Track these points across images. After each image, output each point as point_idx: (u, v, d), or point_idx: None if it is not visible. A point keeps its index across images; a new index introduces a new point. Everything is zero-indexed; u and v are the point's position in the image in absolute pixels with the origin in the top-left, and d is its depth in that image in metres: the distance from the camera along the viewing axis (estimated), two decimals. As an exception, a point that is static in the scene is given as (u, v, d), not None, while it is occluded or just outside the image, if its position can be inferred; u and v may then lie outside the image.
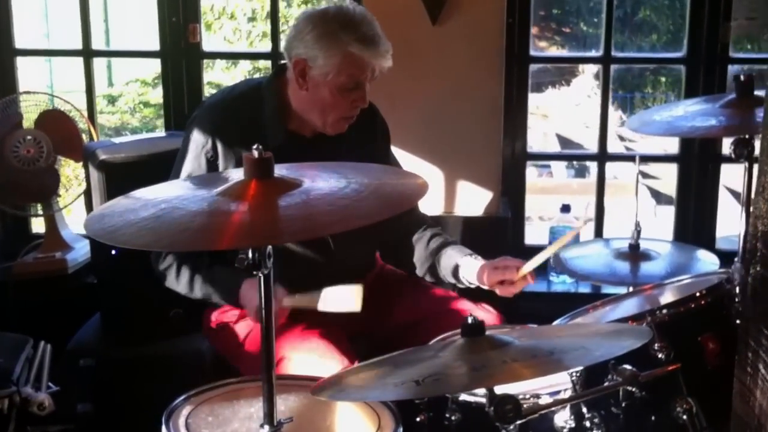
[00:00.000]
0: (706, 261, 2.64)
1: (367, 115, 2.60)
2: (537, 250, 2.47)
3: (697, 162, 3.62)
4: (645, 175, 9.19)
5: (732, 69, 3.52)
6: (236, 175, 1.66)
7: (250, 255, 1.54)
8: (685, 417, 1.89)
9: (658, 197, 8.95)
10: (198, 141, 2.51)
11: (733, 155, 2.31)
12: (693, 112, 2.36)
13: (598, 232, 3.75)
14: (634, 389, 1.83)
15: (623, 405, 1.86)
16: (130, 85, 9.75)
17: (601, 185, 3.75)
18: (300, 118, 2.54)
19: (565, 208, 3.52)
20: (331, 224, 1.46)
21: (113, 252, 3.00)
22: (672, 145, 3.75)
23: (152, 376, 2.98)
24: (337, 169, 1.69)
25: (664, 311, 1.95)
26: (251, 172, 1.57)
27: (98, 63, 3.88)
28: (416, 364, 1.69)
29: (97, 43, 3.89)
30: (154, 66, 9.57)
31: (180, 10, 3.69)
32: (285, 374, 2.29)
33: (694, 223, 3.67)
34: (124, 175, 2.99)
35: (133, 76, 9.70)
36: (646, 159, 4.21)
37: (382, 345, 2.67)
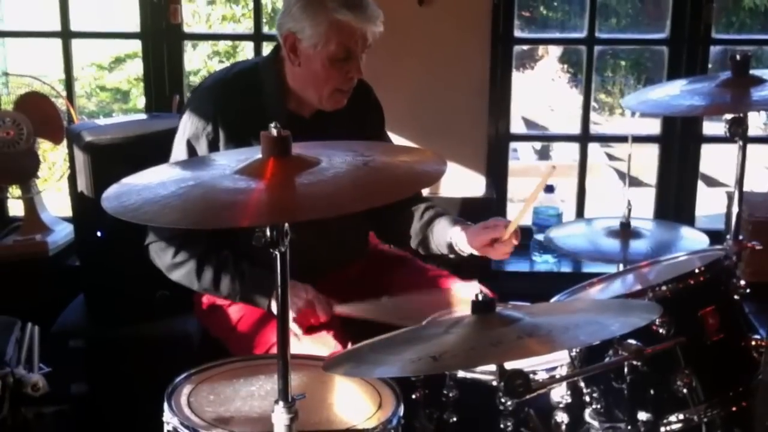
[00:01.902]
0: (695, 239, 2.67)
1: (361, 96, 2.60)
2: (523, 230, 2.50)
3: (679, 142, 3.65)
4: (611, 157, 9.29)
5: (714, 50, 3.56)
6: (251, 153, 1.65)
7: (268, 233, 1.53)
8: (684, 391, 1.92)
9: (625, 178, 9.04)
10: (198, 124, 2.48)
11: (727, 134, 2.34)
12: (689, 91, 2.38)
13: (580, 212, 3.79)
14: (638, 363, 1.86)
15: (628, 379, 1.88)
16: (85, 70, 9.62)
17: (583, 166, 3.79)
18: (298, 98, 2.52)
19: (549, 189, 3.55)
20: (353, 202, 1.46)
21: (99, 234, 2.99)
22: (643, 127, 3.78)
23: (143, 356, 2.95)
24: (352, 147, 1.69)
25: (665, 287, 1.97)
26: (269, 150, 1.56)
27: (55, 46, 3.81)
28: (429, 341, 1.70)
29: (53, 25, 3.82)
30: (110, 49, 9.52)
31: (161, -9, 3.65)
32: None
33: (676, 202, 3.71)
34: (110, 156, 2.95)
35: (88, 60, 9.58)
36: (622, 140, 4.26)
37: (374, 328, 2.70)
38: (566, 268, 3.61)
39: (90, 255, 3.11)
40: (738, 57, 2.34)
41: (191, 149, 2.48)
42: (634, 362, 1.83)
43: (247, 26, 9.62)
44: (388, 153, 1.69)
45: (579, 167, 3.78)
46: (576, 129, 3.73)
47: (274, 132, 1.55)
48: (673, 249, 2.59)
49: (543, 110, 10.97)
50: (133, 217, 1.42)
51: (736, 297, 2.05)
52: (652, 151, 3.78)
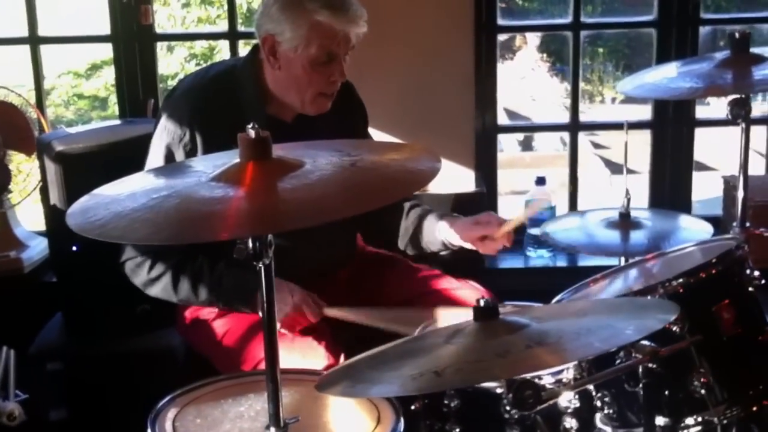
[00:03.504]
0: (698, 228, 2.55)
1: (344, 96, 2.48)
2: (516, 227, 2.38)
3: (672, 127, 3.55)
4: (597, 146, 9.20)
5: (703, 30, 3.46)
6: (229, 158, 1.52)
7: (250, 244, 1.41)
8: (702, 391, 1.81)
9: (611, 167, 8.97)
10: (173, 131, 2.36)
11: (729, 116, 2.23)
12: (687, 73, 2.28)
13: (573, 204, 3.68)
14: (654, 365, 1.74)
15: (642, 382, 1.77)
16: (62, 78, 9.46)
17: (574, 156, 3.68)
18: (279, 102, 2.41)
19: (540, 181, 3.44)
20: (342, 207, 1.33)
21: (74, 248, 2.87)
22: (628, 113, 3.68)
23: (126, 376, 2.84)
24: (337, 147, 1.56)
25: (676, 282, 1.85)
26: (248, 153, 1.43)
27: (25, 54, 3.67)
28: (429, 353, 1.58)
29: (21, 31, 3.68)
30: (86, 56, 9.35)
31: (131, -9, 3.51)
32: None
33: (671, 189, 3.61)
34: (83, 166, 2.83)
35: (64, 68, 9.42)
36: (608, 127, 4.18)
37: (368, 334, 2.58)
38: (562, 263, 3.50)
39: (66, 270, 2.98)
40: (737, 35, 2.23)
41: (169, 158, 2.36)
42: (649, 365, 1.72)
43: (223, 27, 9.51)
44: (376, 151, 1.56)
45: (569, 158, 3.68)
46: (559, 117, 3.63)
47: (252, 133, 1.42)
48: (675, 239, 2.47)
49: (525, 100, 10.89)
50: (100, 235, 1.29)
51: (750, 289, 1.94)
52: (642, 137, 3.68)
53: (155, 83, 3.66)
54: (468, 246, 2.42)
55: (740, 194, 2.28)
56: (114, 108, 10.09)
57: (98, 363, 2.89)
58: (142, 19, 3.55)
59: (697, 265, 1.89)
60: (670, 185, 3.62)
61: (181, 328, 2.62)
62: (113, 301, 2.82)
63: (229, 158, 1.52)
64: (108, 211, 1.36)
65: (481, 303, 1.62)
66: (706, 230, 2.50)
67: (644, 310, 1.60)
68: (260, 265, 1.44)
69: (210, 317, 2.48)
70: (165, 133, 2.38)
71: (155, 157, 2.38)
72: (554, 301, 2.13)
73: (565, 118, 3.73)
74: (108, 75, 9.47)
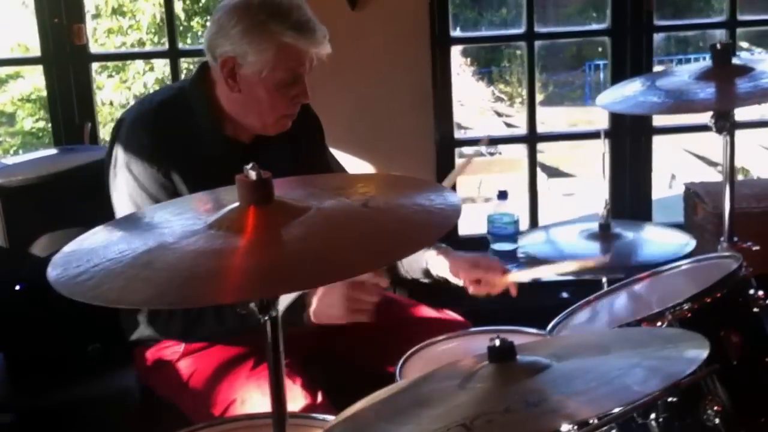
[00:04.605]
0: (680, 242, 2.48)
1: (299, 112, 2.34)
2: (480, 240, 2.25)
3: (630, 136, 3.50)
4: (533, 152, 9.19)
5: (657, 38, 3.43)
6: (218, 197, 1.38)
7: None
8: (717, 420, 1.74)
9: (547, 171, 8.99)
10: (140, 163, 2.19)
11: (714, 129, 2.17)
12: (666, 86, 2.20)
13: (533, 216, 3.60)
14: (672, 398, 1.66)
15: (653, 414, 1.68)
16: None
17: (533, 167, 3.59)
18: (236, 123, 2.27)
19: (502, 195, 3.33)
20: (361, 262, 1.19)
21: (17, 287, 2.66)
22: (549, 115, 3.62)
23: (81, 423, 2.64)
24: (339, 182, 1.43)
25: (684, 306, 1.78)
26: (248, 197, 1.29)
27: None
28: (446, 401, 1.45)
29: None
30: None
31: (62, 10, 3.32)
32: (246, 414, 2.00)
33: (631, 198, 3.56)
34: (24, 200, 2.64)
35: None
36: (578, 137, 4.13)
37: (341, 366, 2.44)
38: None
39: (9, 312, 2.75)
40: (719, 45, 2.16)
41: (137, 205, 2.18)
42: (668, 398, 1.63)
43: (134, 38, 9.24)
44: (385, 186, 1.43)
45: (529, 169, 3.60)
46: (488, 121, 3.54)
47: (253, 174, 1.28)
48: (658, 253, 2.40)
49: (453, 106, 10.87)
50: (94, 298, 1.13)
51: (755, 309, 1.87)
52: (590, 144, 3.64)
53: (92, 106, 3.49)
54: (456, 282, 2.31)
55: (727, 206, 2.21)
56: (22, 123, 9.73)
57: (49, 412, 2.66)
58: (75, 39, 3.36)
59: (703, 289, 1.81)
60: (630, 194, 3.56)
61: (142, 371, 2.44)
62: (61, 342, 2.64)
63: (220, 197, 1.38)
64: (96, 268, 1.19)
65: (497, 343, 1.51)
66: (689, 244, 2.43)
67: (669, 342, 1.49)
68: (266, 318, 1.30)
69: (174, 358, 2.32)
70: (130, 167, 2.20)
71: (125, 198, 2.21)
72: (550, 326, 2.03)
73: (497, 123, 3.66)
74: (14, 89, 9.13)
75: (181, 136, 2.21)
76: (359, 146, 3.24)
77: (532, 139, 3.56)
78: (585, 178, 7.90)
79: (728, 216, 2.22)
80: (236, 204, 1.31)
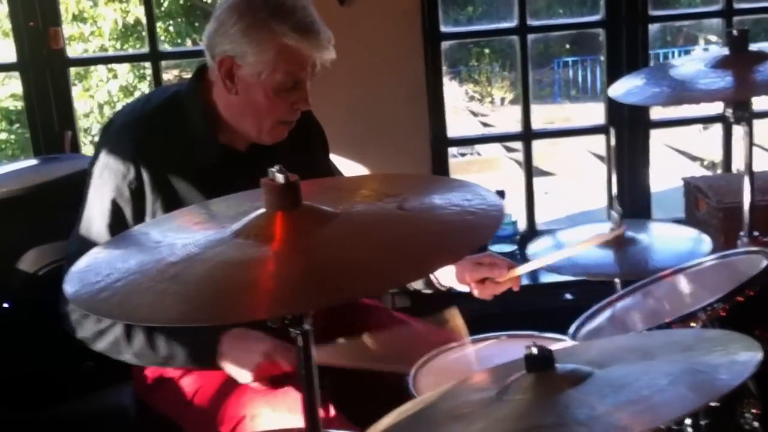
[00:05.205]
0: (695, 239, 2.40)
1: (301, 121, 2.25)
2: None
3: (628, 130, 3.43)
4: (509, 149, 9.14)
5: (652, 28, 3.36)
6: (239, 202, 1.28)
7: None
8: (755, 424, 1.65)
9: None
10: (116, 170, 2.09)
11: (732, 119, 2.09)
12: (682, 75, 2.12)
13: (530, 218, 3.52)
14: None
15: (699, 420, 1.60)
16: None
17: (529, 167, 3.51)
18: (231, 129, 2.17)
19: (500, 194, 3.25)
20: (402, 271, 1.09)
21: (5, 305, 2.56)
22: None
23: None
24: (364, 183, 1.33)
25: (718, 305, 1.70)
26: (275, 202, 1.18)
27: None
28: (487, 415, 1.35)
29: None
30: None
31: (38, 14, 3.19)
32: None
33: (630, 194, 3.49)
34: (6, 213, 2.53)
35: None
36: (576, 133, 4.05)
37: (348, 376, 2.35)
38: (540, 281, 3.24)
39: (-3, 330, 2.65)
40: (735, 32, 2.09)
41: (116, 211, 2.10)
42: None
43: (97, 45, 9.04)
44: (415, 187, 1.33)
45: (525, 168, 3.51)
46: (464, 122, 3.45)
47: (281, 177, 1.18)
48: (676, 254, 2.32)
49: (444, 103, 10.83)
50: (121, 316, 1.02)
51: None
52: (569, 142, 3.57)
53: (71, 113, 3.36)
54: (462, 288, 2.23)
55: (746, 200, 2.13)
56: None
57: (40, 431, 2.57)
58: (51, 44, 3.24)
59: (737, 286, 1.73)
60: (630, 190, 3.49)
61: (142, 389, 2.34)
62: (53, 361, 2.52)
63: (241, 202, 1.29)
64: (119, 282, 1.08)
65: (534, 351, 1.41)
66: (703, 242, 2.35)
67: (717, 345, 1.41)
68: (297, 332, 1.20)
69: (176, 375, 2.22)
70: (106, 172, 2.12)
71: (98, 211, 2.12)
72: (573, 329, 1.95)
73: (473, 122, 3.59)
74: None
75: (171, 144, 2.13)
76: (352, 146, 3.15)
77: (527, 136, 3.48)
78: (564, 176, 7.86)
79: (748, 210, 2.15)
80: (261, 210, 1.21)
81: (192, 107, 2.16)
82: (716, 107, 3.43)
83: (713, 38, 10.87)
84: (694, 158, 8.21)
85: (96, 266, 1.16)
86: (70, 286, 1.11)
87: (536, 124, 3.55)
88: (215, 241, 1.15)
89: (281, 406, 2.03)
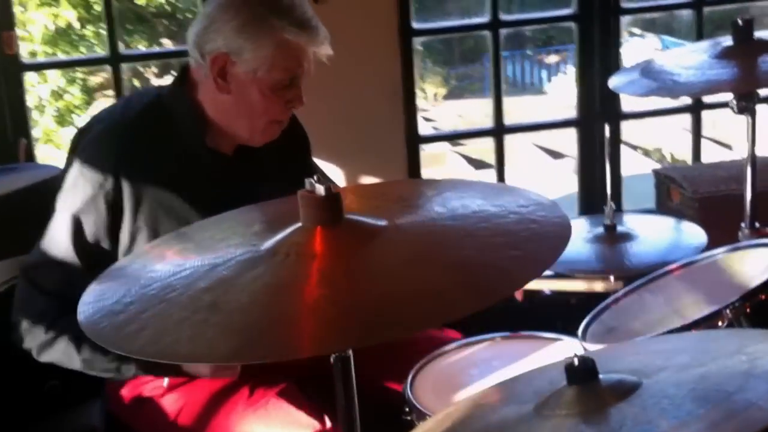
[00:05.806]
0: (690, 233, 2.37)
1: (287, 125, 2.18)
2: None
3: (600, 123, 3.40)
4: (454, 143, 9.13)
5: (624, 20, 3.33)
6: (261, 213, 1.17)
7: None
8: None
9: (473, 163, 8.92)
10: (91, 179, 1.98)
11: (735, 110, 2.05)
12: (687, 65, 2.07)
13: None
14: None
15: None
16: None
17: (501, 161, 3.44)
18: (219, 132, 2.08)
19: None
20: (465, 300, 0.98)
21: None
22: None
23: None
24: (401, 190, 1.23)
25: (740, 303, 1.65)
26: (315, 216, 1.07)
27: None
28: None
29: None
30: None
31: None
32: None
33: (601, 187, 3.47)
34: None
35: None
36: (545, 127, 4.03)
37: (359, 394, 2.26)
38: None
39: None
40: (740, 21, 2.04)
41: (76, 225, 1.98)
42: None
43: (26, 50, 8.77)
44: (455, 190, 1.23)
45: (496, 163, 3.44)
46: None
47: (322, 189, 1.07)
48: (671, 248, 2.28)
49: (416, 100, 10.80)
50: (157, 355, 0.89)
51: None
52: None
53: (26, 120, 3.21)
54: None
55: (749, 190, 2.09)
56: None
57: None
58: (5, 48, 3.07)
59: (761, 283, 1.68)
60: (600, 183, 3.47)
61: (118, 408, 2.21)
62: (15, 382, 2.34)
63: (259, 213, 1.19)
64: (147, 314, 0.96)
65: (576, 362, 1.32)
66: (699, 236, 2.31)
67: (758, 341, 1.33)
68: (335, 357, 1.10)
69: (157, 393, 2.11)
70: (81, 180, 2.00)
71: (65, 212, 2.01)
72: (581, 330, 1.87)
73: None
74: None
75: (155, 151, 2.03)
76: (331, 147, 3.06)
77: (499, 131, 3.42)
78: (512, 170, 7.86)
79: (749, 200, 2.11)
80: (298, 225, 1.10)
81: (179, 110, 2.07)
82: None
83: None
84: (647, 152, 8.29)
85: (112, 290, 1.04)
86: (83, 317, 0.98)
87: (479, 119, 3.52)
88: (248, 261, 1.03)
89: (274, 421, 1.97)
